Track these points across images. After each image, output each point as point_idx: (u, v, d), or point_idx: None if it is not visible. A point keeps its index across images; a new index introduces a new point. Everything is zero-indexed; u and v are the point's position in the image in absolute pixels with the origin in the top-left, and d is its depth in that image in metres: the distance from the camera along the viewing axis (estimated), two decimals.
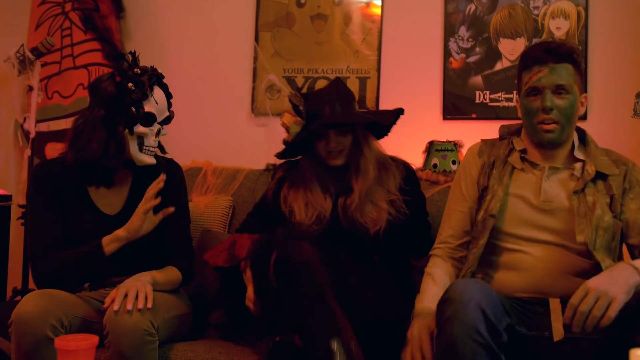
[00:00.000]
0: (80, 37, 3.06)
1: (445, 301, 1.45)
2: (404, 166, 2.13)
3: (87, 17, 3.04)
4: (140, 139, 1.90)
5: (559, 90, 1.70)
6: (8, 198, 2.89)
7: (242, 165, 2.67)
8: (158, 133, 1.94)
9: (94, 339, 1.35)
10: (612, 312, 1.40)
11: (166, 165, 2.05)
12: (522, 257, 1.70)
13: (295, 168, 2.11)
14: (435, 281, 1.75)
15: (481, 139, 1.93)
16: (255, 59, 2.96)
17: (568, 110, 1.71)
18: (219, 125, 2.99)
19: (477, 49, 2.72)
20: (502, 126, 1.93)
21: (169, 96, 1.99)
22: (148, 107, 1.89)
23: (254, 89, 2.95)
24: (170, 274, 1.96)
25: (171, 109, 2.01)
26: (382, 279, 1.88)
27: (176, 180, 2.06)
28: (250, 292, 1.82)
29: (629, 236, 1.72)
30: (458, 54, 2.73)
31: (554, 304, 1.62)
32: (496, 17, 2.70)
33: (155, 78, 1.92)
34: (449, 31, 2.75)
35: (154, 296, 1.74)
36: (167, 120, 1.99)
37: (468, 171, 1.87)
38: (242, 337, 1.91)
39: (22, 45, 2.80)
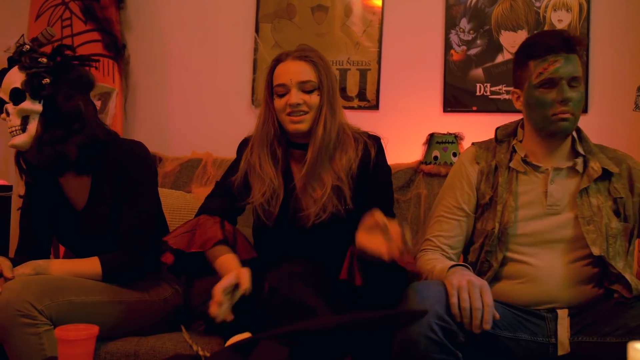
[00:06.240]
0: (80, 28, 3.05)
1: (403, 300, 1.49)
2: (365, 143, 1.76)
3: (87, 8, 3.03)
4: None
5: (572, 82, 1.63)
6: (9, 188, 2.89)
7: None
8: (8, 113, 1.86)
9: (94, 329, 1.35)
10: (489, 298, 1.41)
11: (109, 147, 1.87)
12: (529, 268, 1.65)
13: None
14: (436, 257, 1.71)
15: (473, 143, 1.84)
16: (256, 50, 2.96)
17: (580, 103, 1.66)
18: (219, 116, 2.99)
19: (478, 42, 2.71)
20: (498, 129, 1.82)
21: (28, 70, 1.91)
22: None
23: (254, 80, 2.95)
24: (82, 266, 1.78)
25: (31, 82, 1.87)
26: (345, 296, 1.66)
27: (117, 165, 1.86)
28: (222, 284, 1.50)
29: None
30: (459, 46, 2.72)
31: (562, 314, 1.60)
32: (497, 9, 2.70)
33: (11, 64, 1.94)
34: (450, 23, 2.74)
35: (49, 279, 1.66)
36: (15, 94, 1.86)
37: (466, 178, 1.77)
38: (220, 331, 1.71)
39: (22, 35, 2.79)
